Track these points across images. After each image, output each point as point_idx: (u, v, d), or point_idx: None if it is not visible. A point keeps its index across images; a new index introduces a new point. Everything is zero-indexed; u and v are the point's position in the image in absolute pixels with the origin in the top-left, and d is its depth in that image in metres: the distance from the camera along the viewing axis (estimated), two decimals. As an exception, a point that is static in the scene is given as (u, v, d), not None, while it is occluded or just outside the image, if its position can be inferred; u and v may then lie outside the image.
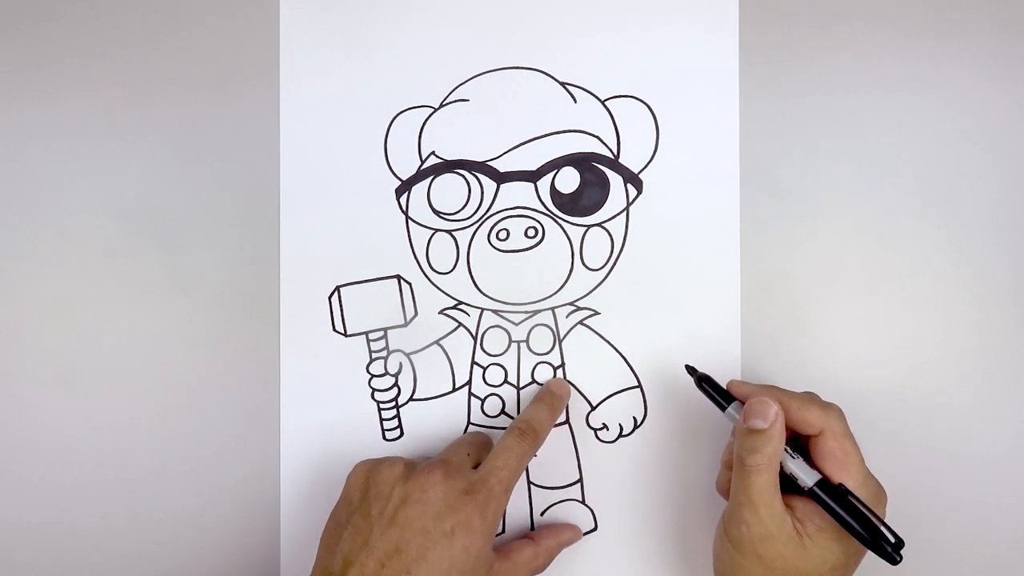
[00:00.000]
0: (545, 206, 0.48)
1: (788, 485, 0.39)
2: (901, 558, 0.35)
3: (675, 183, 0.48)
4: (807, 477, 0.38)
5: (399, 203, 0.48)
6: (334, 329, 0.48)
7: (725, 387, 0.43)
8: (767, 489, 0.38)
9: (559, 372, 0.48)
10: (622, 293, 0.48)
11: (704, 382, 0.43)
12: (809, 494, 0.38)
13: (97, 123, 0.49)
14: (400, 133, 0.48)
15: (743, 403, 0.41)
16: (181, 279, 0.49)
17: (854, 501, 0.37)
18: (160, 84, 0.49)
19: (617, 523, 0.48)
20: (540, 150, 0.48)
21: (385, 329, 0.48)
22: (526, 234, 0.48)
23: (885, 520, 0.38)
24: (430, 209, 0.48)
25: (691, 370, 0.44)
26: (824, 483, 0.38)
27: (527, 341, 0.48)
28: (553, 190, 0.48)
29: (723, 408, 0.42)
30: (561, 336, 0.48)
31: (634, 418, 0.48)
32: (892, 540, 0.36)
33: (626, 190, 0.48)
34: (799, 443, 0.41)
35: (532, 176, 0.48)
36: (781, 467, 0.39)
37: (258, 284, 0.49)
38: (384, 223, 0.48)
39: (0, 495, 0.49)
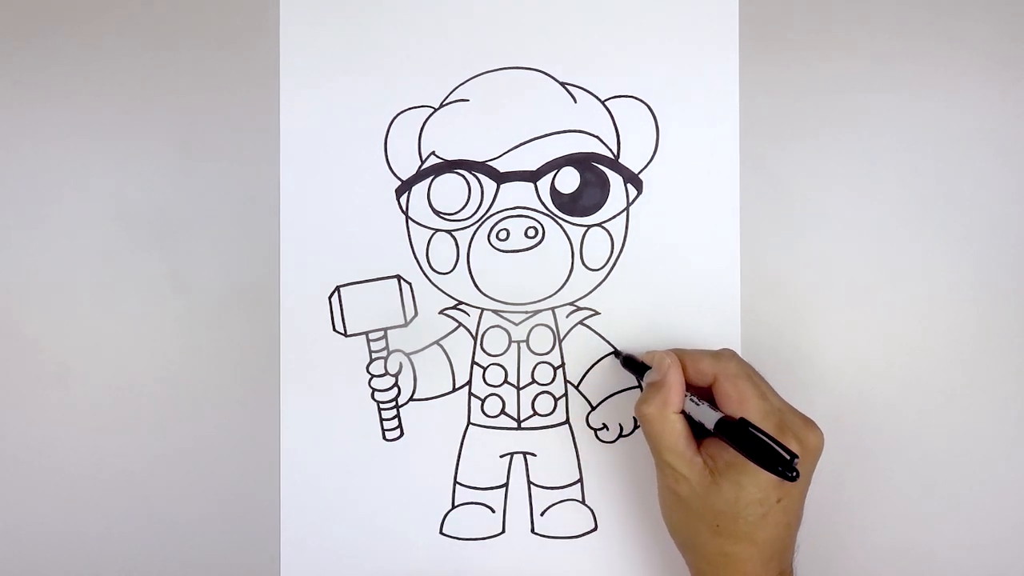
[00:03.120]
0: (545, 206, 0.48)
1: (705, 431, 0.40)
2: (797, 472, 0.35)
3: (675, 183, 0.48)
4: (709, 418, 0.39)
5: (399, 203, 0.48)
6: (334, 329, 0.48)
7: (633, 357, 0.46)
8: (672, 437, 0.40)
9: (559, 372, 0.48)
10: (622, 293, 0.48)
11: (627, 361, 0.46)
12: (714, 433, 0.39)
13: (97, 123, 0.49)
14: (400, 133, 0.48)
15: None
16: (181, 279, 0.49)
17: (753, 431, 0.38)
18: (160, 85, 0.49)
19: (617, 523, 0.48)
20: (540, 150, 0.48)
21: (385, 329, 0.48)
22: (526, 234, 0.48)
23: (794, 450, 0.38)
24: (430, 209, 0.48)
25: (616, 353, 0.47)
26: (724, 420, 0.39)
27: (527, 341, 0.48)
28: (553, 190, 0.48)
29: (642, 376, 0.44)
30: (561, 336, 0.48)
31: (634, 418, 0.48)
32: (786, 459, 0.36)
33: (626, 190, 0.48)
34: (707, 394, 0.42)
35: (532, 176, 0.48)
36: (690, 416, 0.41)
37: (258, 284, 0.49)
38: (384, 223, 0.48)
39: (0, 494, 0.49)
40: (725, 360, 0.42)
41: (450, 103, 0.48)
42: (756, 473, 0.38)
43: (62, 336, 0.49)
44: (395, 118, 0.48)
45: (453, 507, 0.48)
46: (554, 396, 0.48)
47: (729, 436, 0.38)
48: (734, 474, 0.39)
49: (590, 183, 0.48)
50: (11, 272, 0.49)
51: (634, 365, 0.45)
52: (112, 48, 0.49)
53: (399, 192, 0.48)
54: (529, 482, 0.48)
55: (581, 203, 0.48)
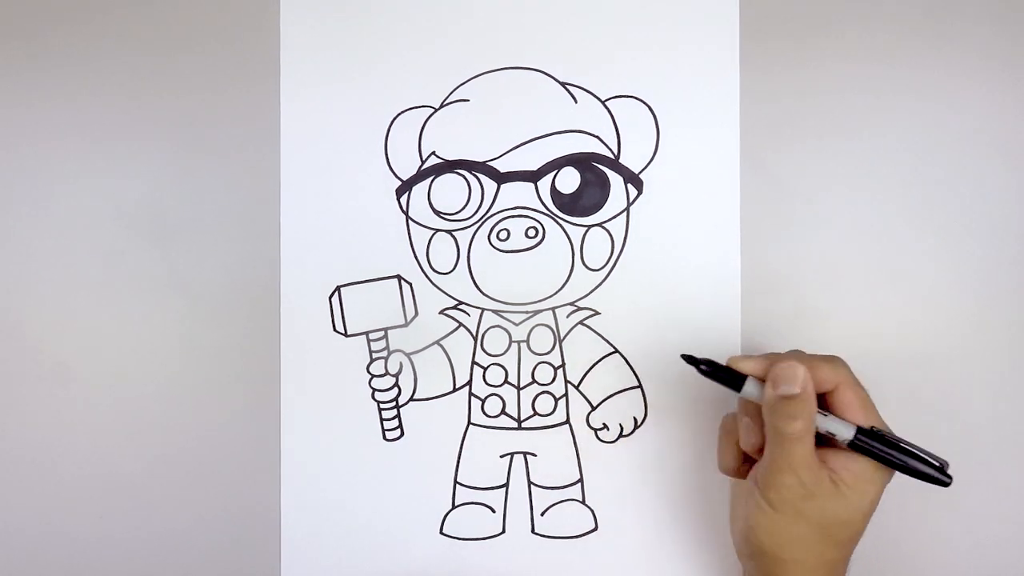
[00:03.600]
0: (545, 206, 0.48)
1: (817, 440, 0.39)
2: (951, 478, 0.37)
3: (675, 183, 0.48)
4: (845, 431, 0.38)
5: (399, 203, 0.48)
6: (334, 329, 0.48)
7: (725, 365, 0.41)
8: (808, 454, 0.38)
9: (559, 372, 0.48)
10: (622, 293, 0.48)
11: (710, 368, 0.41)
12: (851, 446, 0.38)
13: (98, 123, 0.49)
14: (400, 133, 0.48)
15: (757, 378, 0.40)
16: (181, 279, 0.49)
17: (896, 440, 0.38)
18: (161, 85, 0.49)
19: (617, 523, 0.48)
20: (540, 150, 0.48)
21: (385, 329, 0.48)
22: (526, 234, 0.48)
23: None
24: (430, 209, 0.48)
25: (690, 359, 0.41)
26: (865, 431, 0.38)
27: (527, 341, 0.48)
28: (553, 190, 0.48)
29: (738, 388, 0.40)
30: (561, 336, 0.48)
31: (634, 418, 0.48)
32: (937, 464, 0.38)
33: (626, 190, 0.48)
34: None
35: (532, 176, 0.48)
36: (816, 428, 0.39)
37: (258, 284, 0.49)
38: (384, 223, 0.48)
39: (0, 494, 0.49)
40: (841, 366, 0.40)
41: (450, 103, 0.48)
42: (878, 481, 0.38)
43: (62, 336, 0.49)
44: (395, 118, 0.48)
45: (453, 507, 0.48)
46: (554, 396, 0.48)
47: (870, 446, 0.38)
48: (863, 484, 0.38)
49: (590, 183, 0.48)
50: (11, 272, 0.49)
51: (722, 374, 0.41)
52: (112, 48, 0.49)
53: (399, 192, 0.48)
54: (529, 482, 0.48)
55: (581, 203, 0.48)
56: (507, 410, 0.48)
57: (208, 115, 0.49)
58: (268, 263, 0.49)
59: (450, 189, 0.48)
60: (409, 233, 0.48)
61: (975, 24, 0.47)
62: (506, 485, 0.48)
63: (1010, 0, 0.47)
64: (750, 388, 0.40)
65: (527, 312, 0.48)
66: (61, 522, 0.49)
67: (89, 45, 0.49)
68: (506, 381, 0.48)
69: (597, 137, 0.48)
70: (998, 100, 0.47)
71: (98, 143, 0.49)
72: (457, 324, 0.48)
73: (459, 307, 0.48)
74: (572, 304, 0.48)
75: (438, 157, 0.48)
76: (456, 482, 0.48)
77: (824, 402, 0.40)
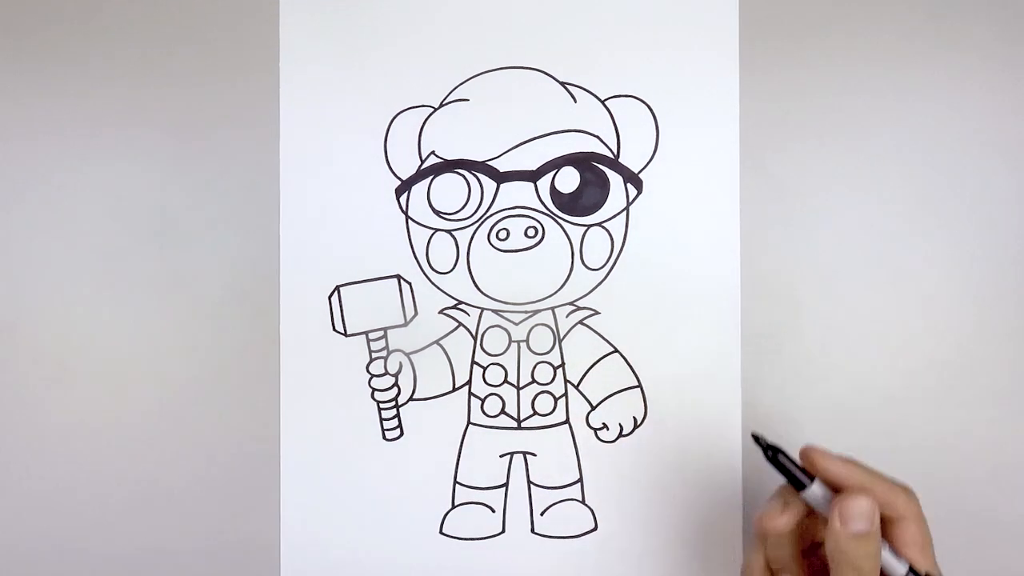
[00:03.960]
0: (545, 206, 0.48)
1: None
2: None
3: (675, 183, 0.48)
4: (899, 567, 0.37)
5: (399, 203, 0.48)
6: (334, 329, 0.48)
7: (799, 459, 0.38)
8: None
9: (559, 372, 0.48)
10: (622, 293, 0.48)
11: (777, 455, 0.38)
12: None
13: (97, 123, 0.49)
14: (400, 133, 0.48)
15: (825, 483, 0.37)
16: (181, 279, 0.49)
17: None
18: (160, 83, 0.49)
19: (617, 523, 0.48)
20: (540, 150, 0.48)
21: (385, 329, 0.48)
22: (526, 234, 0.48)
23: None
24: (430, 209, 0.48)
25: (758, 439, 0.38)
26: (912, 572, 0.37)
27: (527, 341, 0.48)
28: (553, 190, 0.48)
29: (801, 487, 0.37)
30: (561, 336, 0.48)
31: (634, 418, 0.48)
32: None
33: (626, 190, 0.48)
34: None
35: (532, 176, 0.48)
36: None
37: (258, 284, 0.49)
38: (384, 223, 0.48)
39: None
40: (913, 499, 0.37)
41: (450, 103, 0.48)
42: None
43: (62, 336, 0.49)
44: (395, 118, 0.48)
45: (453, 507, 0.48)
46: (554, 396, 0.48)
47: None
48: None
49: (590, 183, 0.48)
50: (10, 271, 0.49)
51: (787, 467, 0.38)
52: (111, 47, 0.49)
53: (399, 192, 0.48)
54: (529, 482, 0.48)
55: (581, 203, 0.48)
56: (507, 410, 0.48)
57: (207, 115, 0.49)
58: (268, 262, 0.49)
59: (449, 189, 0.48)
60: (408, 233, 0.48)
61: (975, 24, 0.47)
62: (506, 485, 0.48)
63: (1010, 0, 0.47)
64: (815, 490, 0.37)
65: (527, 312, 0.48)
66: (60, 521, 0.49)
67: (89, 45, 0.49)
68: (506, 381, 0.48)
69: (597, 137, 0.48)
70: (998, 100, 0.47)
71: (97, 142, 0.49)
72: (457, 324, 0.48)
73: (459, 307, 0.48)
74: (572, 304, 0.48)
75: (437, 157, 0.48)
76: (456, 482, 0.48)
77: (883, 529, 0.37)
